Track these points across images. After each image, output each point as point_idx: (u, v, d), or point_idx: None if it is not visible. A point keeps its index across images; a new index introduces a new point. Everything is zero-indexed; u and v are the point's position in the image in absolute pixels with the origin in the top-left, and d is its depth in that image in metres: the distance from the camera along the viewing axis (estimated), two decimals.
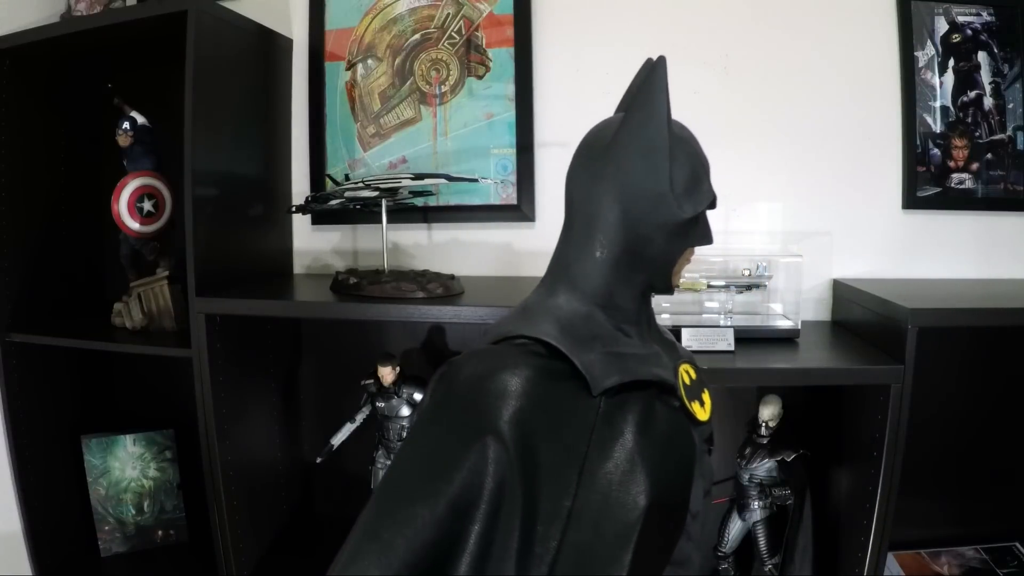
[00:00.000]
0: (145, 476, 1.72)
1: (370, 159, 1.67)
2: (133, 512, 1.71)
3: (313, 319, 1.69)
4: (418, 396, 1.41)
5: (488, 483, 0.61)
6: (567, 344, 0.69)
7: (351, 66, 1.66)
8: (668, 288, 0.78)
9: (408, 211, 1.61)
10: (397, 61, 1.64)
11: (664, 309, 1.42)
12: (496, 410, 0.63)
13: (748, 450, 1.34)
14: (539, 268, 0.80)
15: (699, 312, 1.44)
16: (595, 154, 0.74)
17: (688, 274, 1.36)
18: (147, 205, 1.53)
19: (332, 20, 1.66)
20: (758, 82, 1.50)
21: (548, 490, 0.62)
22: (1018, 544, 1.47)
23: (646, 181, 0.71)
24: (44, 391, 1.63)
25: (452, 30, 1.61)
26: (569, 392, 0.67)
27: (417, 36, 1.62)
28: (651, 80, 0.71)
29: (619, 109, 0.82)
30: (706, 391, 0.81)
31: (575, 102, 1.57)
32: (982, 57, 1.48)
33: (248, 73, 1.54)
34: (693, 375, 0.80)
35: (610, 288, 0.74)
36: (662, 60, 0.71)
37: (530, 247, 1.61)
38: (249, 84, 1.54)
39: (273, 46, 1.62)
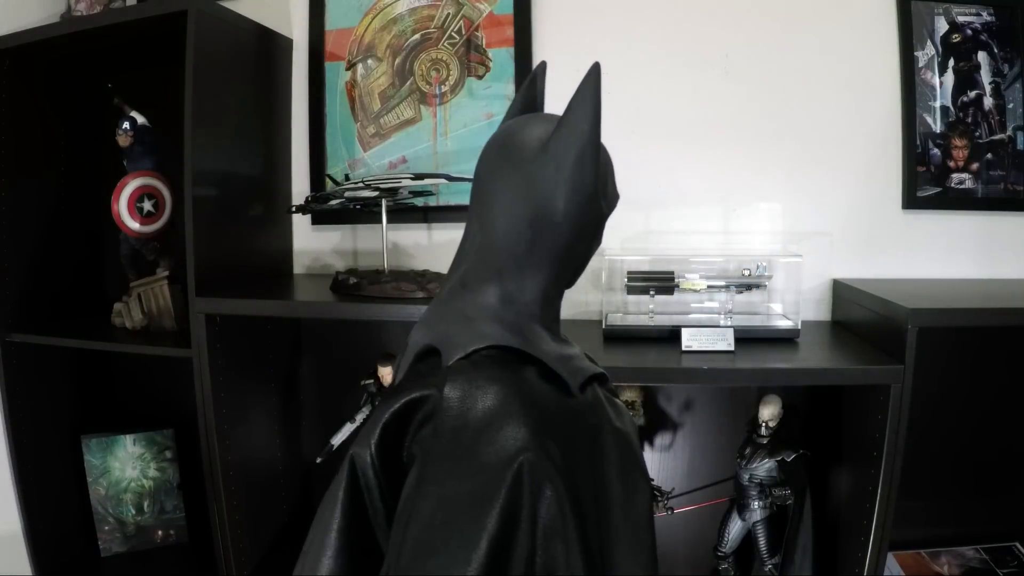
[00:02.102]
0: (145, 476, 1.72)
1: (370, 159, 1.67)
2: (133, 512, 1.71)
3: (313, 319, 1.69)
4: None
5: (545, 496, 0.59)
6: (535, 348, 0.68)
7: (351, 66, 1.66)
8: (573, 284, 0.79)
9: (408, 211, 1.60)
10: (397, 61, 1.64)
11: (665, 309, 1.43)
12: (513, 428, 0.60)
13: (748, 450, 1.34)
14: None
15: (699, 312, 1.44)
16: (526, 155, 0.72)
17: (688, 274, 1.36)
18: (147, 205, 1.53)
19: (332, 20, 1.66)
20: (758, 82, 1.50)
21: (589, 492, 0.63)
22: (1018, 544, 1.47)
23: (579, 181, 0.71)
24: (44, 391, 1.63)
25: (452, 30, 1.61)
26: (553, 393, 0.67)
27: (417, 36, 1.62)
28: (587, 84, 0.70)
29: (513, 112, 0.81)
30: None
31: None
32: (982, 57, 1.48)
33: (248, 73, 1.54)
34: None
35: (542, 287, 0.73)
36: (596, 66, 0.71)
37: None
38: (249, 84, 1.54)
39: (273, 46, 1.62)
